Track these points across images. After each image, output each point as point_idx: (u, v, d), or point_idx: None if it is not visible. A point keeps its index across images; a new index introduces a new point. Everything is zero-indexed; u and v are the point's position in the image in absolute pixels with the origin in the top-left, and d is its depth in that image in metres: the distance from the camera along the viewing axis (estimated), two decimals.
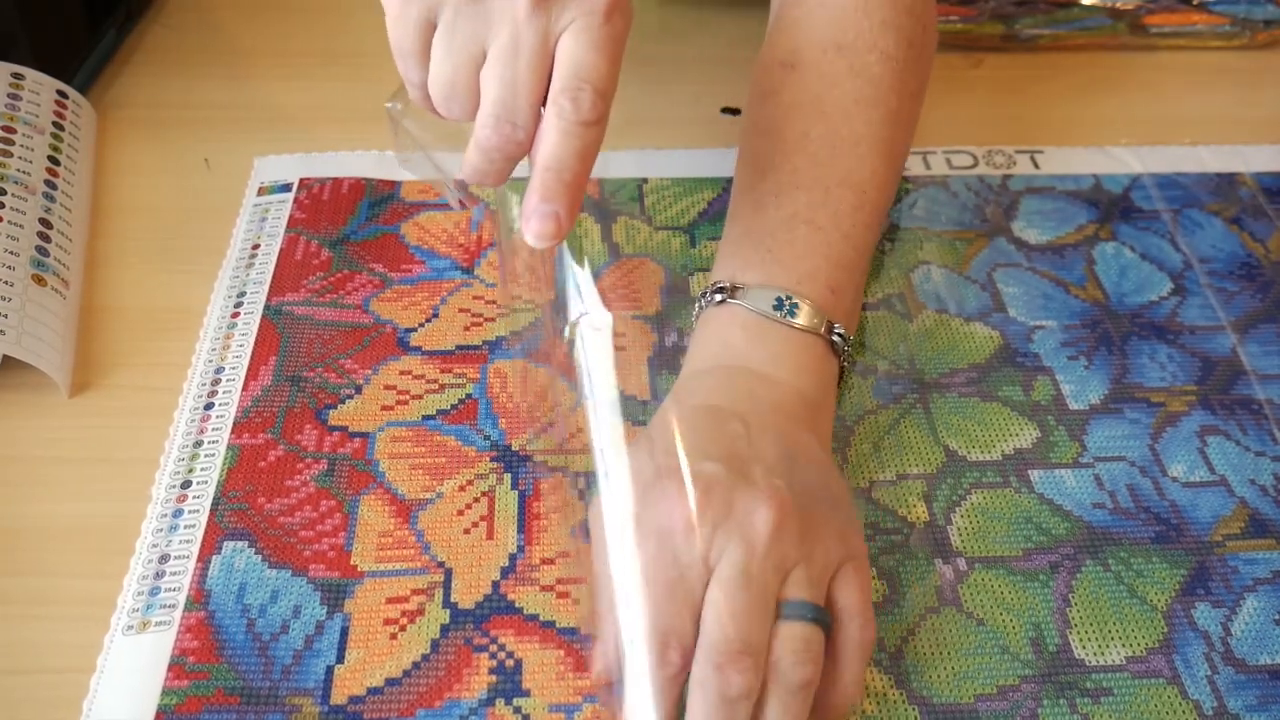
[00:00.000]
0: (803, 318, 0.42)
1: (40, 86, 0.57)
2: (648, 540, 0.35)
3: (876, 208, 0.46)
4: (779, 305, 0.42)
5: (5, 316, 0.45)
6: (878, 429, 0.46)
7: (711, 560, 0.35)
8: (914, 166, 0.59)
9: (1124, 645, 0.40)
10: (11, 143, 0.52)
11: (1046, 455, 0.45)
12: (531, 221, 0.36)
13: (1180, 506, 0.44)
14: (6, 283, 0.46)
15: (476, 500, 0.43)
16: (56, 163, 0.54)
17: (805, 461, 0.38)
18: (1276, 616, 0.41)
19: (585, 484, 0.44)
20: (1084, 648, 0.39)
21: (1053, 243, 0.55)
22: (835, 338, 0.42)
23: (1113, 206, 0.57)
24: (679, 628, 0.34)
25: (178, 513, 0.42)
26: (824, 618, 0.35)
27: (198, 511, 0.42)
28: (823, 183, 0.45)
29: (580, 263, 0.40)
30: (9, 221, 0.49)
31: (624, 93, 0.52)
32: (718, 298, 0.43)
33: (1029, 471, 0.45)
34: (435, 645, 0.39)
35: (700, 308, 0.44)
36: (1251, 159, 0.60)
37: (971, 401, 0.47)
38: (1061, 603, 0.41)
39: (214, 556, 0.41)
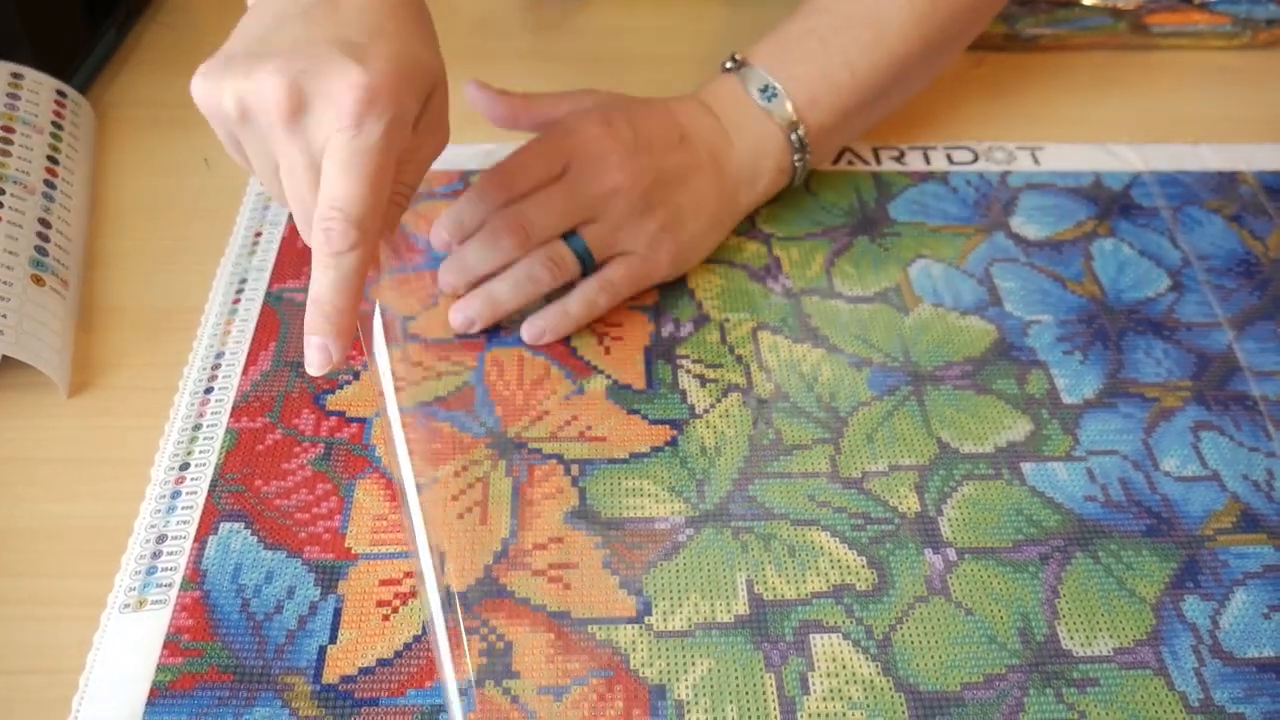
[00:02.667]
0: (775, 105, 0.51)
1: (39, 86, 0.57)
2: (553, 129, 0.50)
3: (894, 54, 0.52)
4: (764, 89, 0.52)
5: (4, 316, 0.45)
6: (872, 420, 0.46)
7: (568, 168, 0.49)
8: (913, 162, 0.59)
9: (1112, 636, 0.40)
10: (10, 142, 0.53)
11: (1039, 448, 0.46)
12: (307, 354, 0.37)
13: (1172, 500, 0.44)
14: (5, 283, 0.47)
15: (471, 486, 0.44)
16: (55, 162, 0.54)
17: (689, 192, 0.50)
18: (1265, 610, 0.41)
19: (579, 471, 0.44)
20: (1072, 638, 0.40)
21: (1051, 238, 0.55)
22: (794, 137, 0.51)
23: (1112, 203, 0.57)
24: (526, 178, 0.48)
25: (175, 494, 0.43)
26: (586, 257, 0.48)
27: (195, 493, 0.43)
28: (848, 16, 0.52)
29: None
30: (8, 221, 0.49)
31: (627, 90, 0.53)
32: (729, 65, 0.53)
33: (1021, 464, 0.45)
34: (427, 627, 0.39)
35: (721, 68, 0.54)
36: (1253, 157, 0.60)
37: (966, 394, 0.47)
38: (1050, 594, 0.41)
39: (210, 537, 0.41)
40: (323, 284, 0.37)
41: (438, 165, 0.57)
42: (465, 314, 0.48)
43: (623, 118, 0.49)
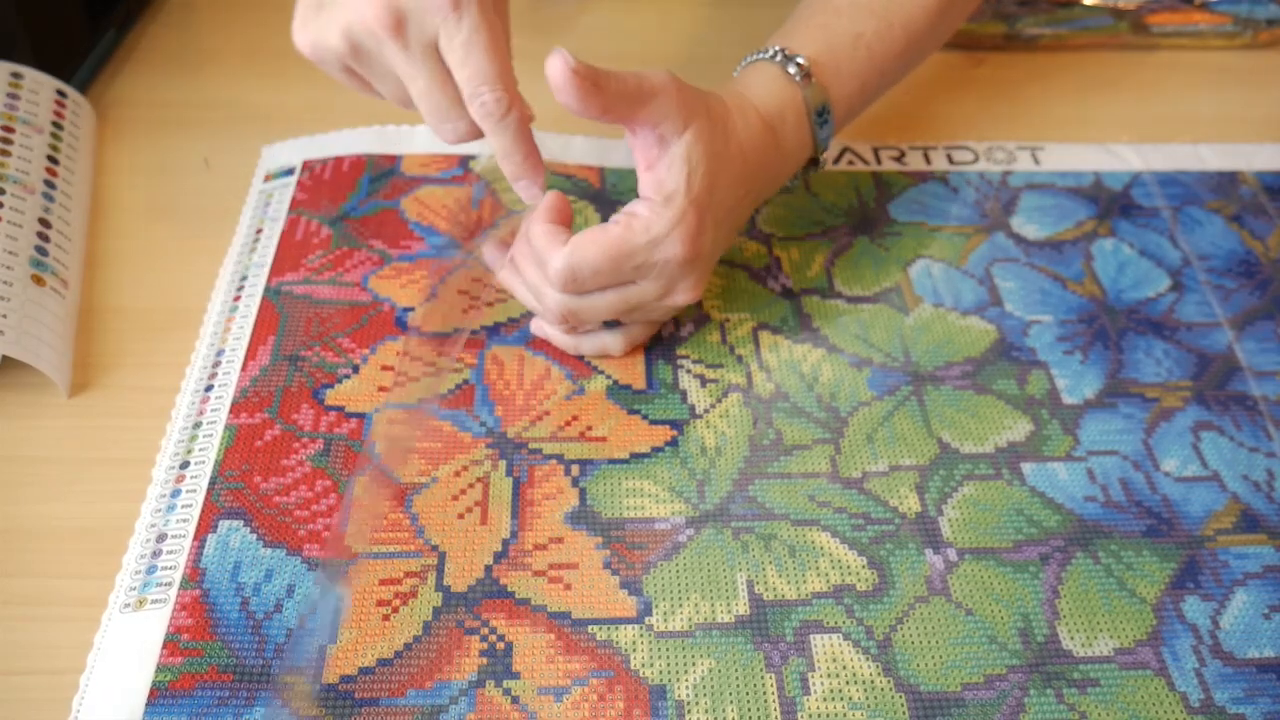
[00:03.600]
0: (823, 133, 0.49)
1: (39, 86, 0.57)
2: (645, 255, 0.44)
3: (908, 28, 0.51)
4: (820, 112, 0.48)
5: (4, 316, 0.45)
6: (872, 420, 0.46)
7: (635, 264, 0.44)
8: (914, 162, 0.59)
9: (1112, 637, 0.40)
10: (10, 142, 0.53)
11: (1039, 448, 0.45)
12: (521, 193, 0.44)
13: (1172, 501, 0.44)
14: (6, 283, 0.46)
15: (471, 486, 0.44)
16: (55, 162, 0.54)
17: (728, 227, 0.47)
18: (1265, 611, 0.41)
19: (580, 471, 0.44)
20: (1072, 639, 0.40)
21: (1051, 238, 0.55)
22: (819, 144, 0.49)
23: (1113, 203, 0.57)
24: (590, 282, 0.44)
25: (175, 493, 0.43)
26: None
27: (195, 491, 0.43)
28: (887, 19, 0.50)
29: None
30: (8, 221, 0.49)
31: None
32: (791, 71, 0.48)
33: (1021, 464, 0.45)
34: (427, 627, 0.39)
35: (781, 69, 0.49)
36: (1253, 157, 0.60)
37: (966, 394, 0.47)
38: (1051, 594, 0.41)
39: (209, 535, 0.41)
40: (503, 143, 0.42)
41: (435, 150, 0.57)
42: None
43: (708, 215, 0.44)
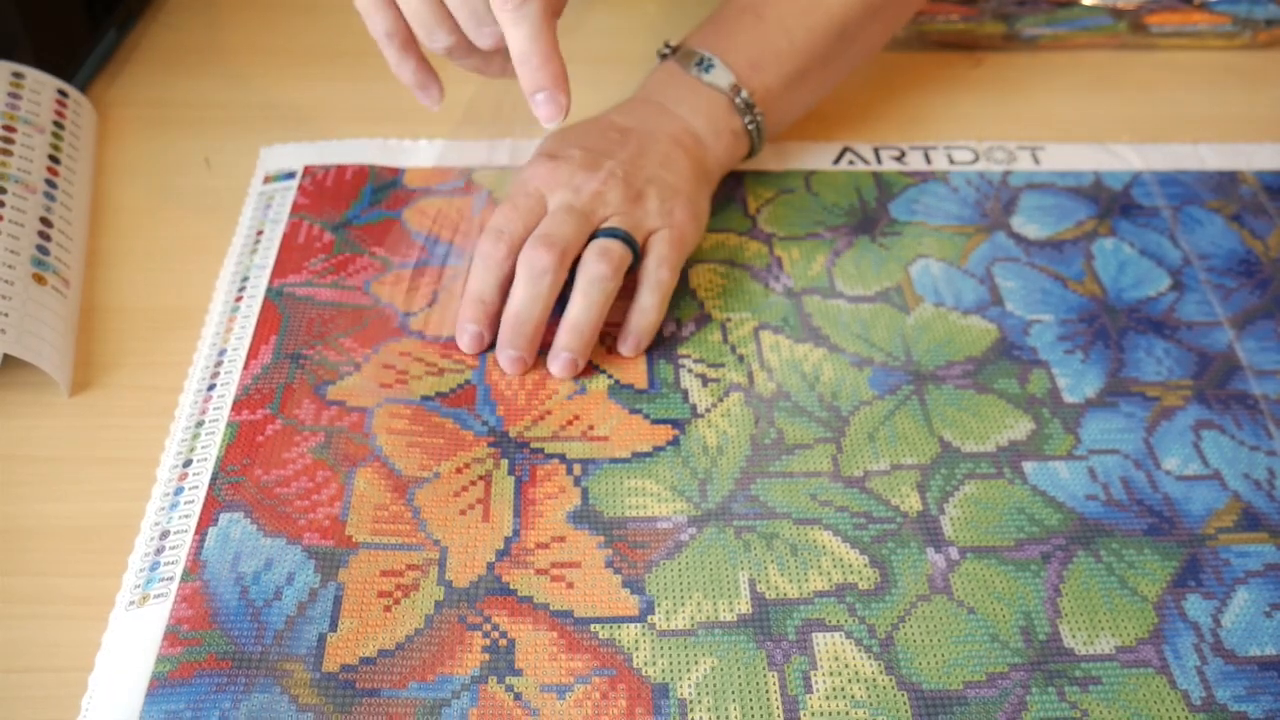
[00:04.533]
0: (713, 75, 0.52)
1: (41, 85, 0.57)
2: (513, 187, 0.49)
3: (832, 17, 0.53)
4: (699, 62, 0.52)
5: (6, 315, 0.45)
6: (873, 419, 0.46)
7: (549, 205, 0.48)
8: (914, 161, 0.59)
9: (1114, 635, 0.40)
10: (12, 141, 0.53)
11: (1041, 447, 0.46)
12: (538, 110, 0.43)
13: (1173, 499, 0.44)
14: (7, 281, 0.46)
15: (473, 483, 0.44)
16: (57, 161, 0.54)
17: (658, 162, 0.50)
18: (1267, 609, 0.41)
19: (582, 471, 0.44)
20: (1074, 637, 0.40)
21: (1052, 238, 0.55)
22: (739, 100, 0.52)
23: (1113, 203, 0.57)
24: (510, 228, 0.47)
25: (179, 490, 0.43)
26: (628, 238, 0.47)
27: (197, 488, 0.43)
28: None
29: None
30: (9, 220, 0.49)
31: (628, 91, 0.53)
32: (664, 53, 0.54)
33: (1023, 463, 0.45)
34: (429, 620, 0.39)
35: (658, 56, 0.55)
36: (1253, 157, 0.60)
37: (967, 394, 0.48)
38: (1052, 592, 0.41)
39: (210, 529, 0.41)
40: (520, 39, 0.42)
41: (438, 162, 0.57)
42: (561, 359, 0.47)
43: (560, 145, 0.50)
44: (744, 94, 0.52)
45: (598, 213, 0.48)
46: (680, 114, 0.52)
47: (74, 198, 0.54)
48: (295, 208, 0.54)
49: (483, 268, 0.47)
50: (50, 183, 0.53)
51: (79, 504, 0.43)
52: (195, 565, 0.40)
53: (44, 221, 0.51)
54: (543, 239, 0.46)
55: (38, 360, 0.45)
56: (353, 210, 0.55)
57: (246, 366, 0.47)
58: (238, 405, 0.45)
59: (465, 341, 0.48)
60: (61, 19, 0.65)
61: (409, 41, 0.46)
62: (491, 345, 0.48)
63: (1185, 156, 0.60)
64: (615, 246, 0.47)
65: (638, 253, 0.48)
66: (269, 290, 0.50)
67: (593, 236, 0.47)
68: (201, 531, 0.41)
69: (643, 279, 0.48)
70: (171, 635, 0.38)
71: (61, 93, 0.58)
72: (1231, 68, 0.66)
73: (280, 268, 0.51)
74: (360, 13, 0.46)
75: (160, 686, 0.37)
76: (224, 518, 0.42)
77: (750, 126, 0.53)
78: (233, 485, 0.43)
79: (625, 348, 0.48)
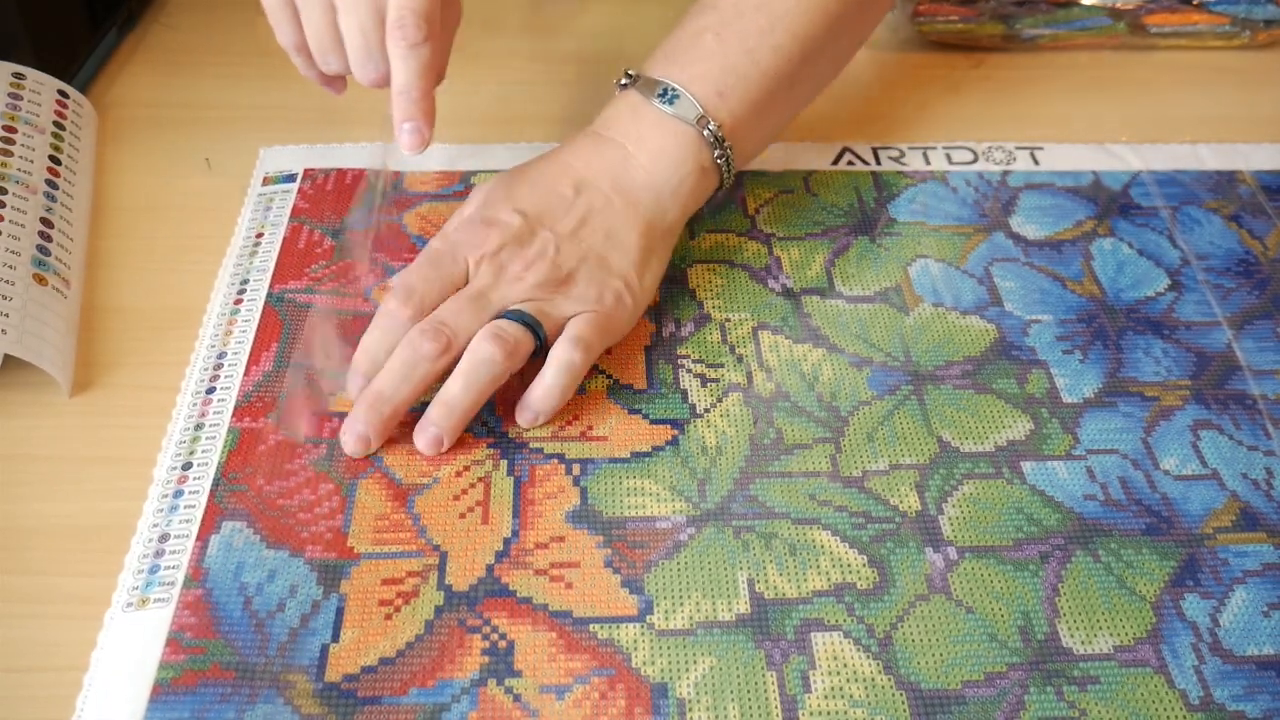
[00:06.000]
0: (679, 108, 0.48)
1: (41, 86, 0.57)
2: (440, 243, 0.47)
3: (795, 34, 0.50)
4: (663, 94, 0.49)
5: (6, 316, 0.45)
6: (872, 419, 0.47)
7: (469, 277, 0.46)
8: (914, 162, 0.59)
9: (1112, 635, 0.40)
10: (12, 142, 0.53)
11: (1039, 447, 0.46)
12: (403, 139, 0.45)
13: (1172, 499, 0.44)
14: (8, 282, 0.47)
15: (473, 485, 0.44)
16: (57, 162, 0.54)
17: (603, 235, 0.47)
18: (1265, 608, 0.41)
19: (580, 471, 0.44)
20: (1072, 637, 0.40)
21: (1051, 238, 0.55)
22: (707, 132, 0.48)
23: (1112, 203, 0.57)
24: (423, 291, 0.45)
25: (178, 493, 0.43)
26: (530, 322, 0.45)
27: (198, 492, 0.43)
28: (737, 6, 0.50)
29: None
30: (10, 221, 0.49)
31: None
32: (623, 82, 0.50)
33: (1021, 463, 0.45)
34: (429, 626, 0.39)
35: (616, 86, 0.51)
36: (1251, 157, 0.60)
37: (966, 393, 0.48)
38: (1051, 592, 0.41)
39: (213, 536, 0.42)
40: (405, 74, 0.44)
41: (438, 167, 0.57)
42: (428, 434, 0.44)
43: (506, 206, 0.48)
44: (712, 126, 0.48)
45: (507, 297, 0.45)
46: (637, 156, 0.49)
47: (74, 198, 0.54)
48: (295, 211, 0.55)
49: (384, 325, 0.45)
50: (51, 183, 0.53)
51: (79, 504, 0.43)
52: (198, 572, 0.40)
53: (44, 222, 0.51)
54: (433, 327, 0.44)
55: (38, 360, 0.45)
56: (352, 215, 0.55)
57: (248, 372, 0.47)
58: (239, 411, 0.46)
59: (355, 388, 0.45)
60: (61, 19, 0.65)
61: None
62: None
63: (1184, 157, 0.60)
64: (512, 330, 0.44)
65: (542, 338, 0.45)
66: (269, 296, 0.50)
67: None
68: (204, 538, 0.41)
69: (551, 356, 0.45)
70: (174, 642, 0.38)
71: (62, 93, 0.58)
72: (1230, 68, 0.66)
73: (280, 273, 0.51)
74: (270, 21, 0.48)
75: (163, 693, 0.37)
76: (227, 526, 0.42)
77: (720, 160, 0.49)
78: (235, 494, 0.43)
79: (521, 419, 0.45)
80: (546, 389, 0.45)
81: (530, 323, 0.45)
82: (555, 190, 0.48)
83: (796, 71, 0.51)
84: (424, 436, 0.44)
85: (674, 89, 0.49)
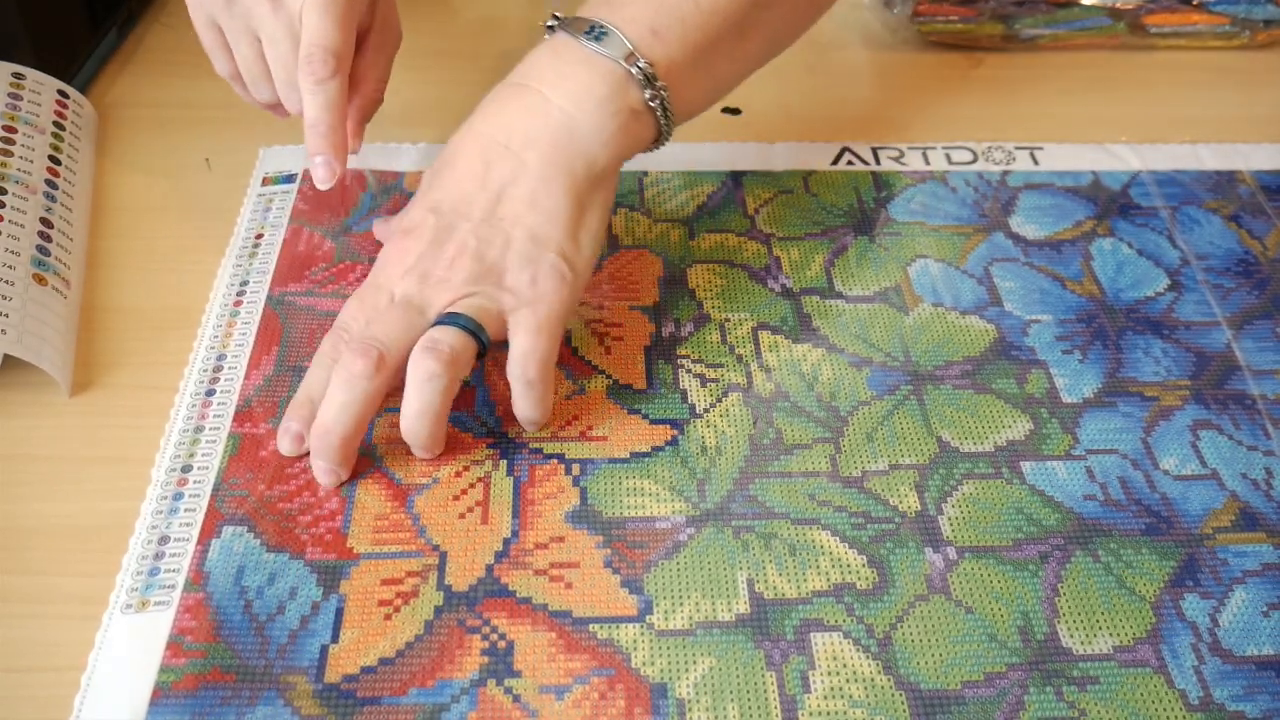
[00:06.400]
0: (606, 44, 0.45)
1: (41, 86, 0.57)
2: (371, 273, 0.45)
3: None
4: (589, 31, 0.45)
5: (6, 316, 0.45)
6: (872, 419, 0.47)
7: (395, 293, 0.44)
8: (913, 162, 0.59)
9: (1112, 635, 0.40)
10: (12, 142, 0.53)
11: (1039, 447, 0.46)
12: (314, 172, 0.47)
13: (1171, 499, 0.44)
14: (7, 282, 0.47)
15: (472, 486, 0.44)
16: (57, 162, 0.54)
17: (525, 204, 0.44)
18: (1264, 608, 0.41)
19: (580, 471, 0.44)
20: (1072, 637, 0.40)
21: (1050, 238, 0.55)
22: (635, 70, 0.45)
23: (1111, 203, 0.57)
24: (352, 326, 0.44)
25: (178, 495, 0.43)
26: (466, 324, 0.42)
27: (198, 496, 0.43)
28: None
29: None
30: (10, 221, 0.49)
31: None
32: (550, 23, 0.47)
33: (1021, 463, 0.45)
34: (429, 626, 0.39)
35: (545, 30, 0.48)
36: (1251, 157, 0.60)
37: (965, 393, 0.48)
38: (1050, 592, 0.41)
39: (213, 540, 0.42)
40: (315, 108, 0.46)
41: (419, 166, 0.57)
42: (414, 453, 0.44)
43: (420, 206, 0.46)
44: (642, 63, 0.44)
45: (435, 303, 0.43)
46: (560, 104, 0.45)
47: (74, 198, 0.54)
48: (295, 213, 0.55)
49: (318, 366, 0.44)
50: (51, 183, 0.53)
51: (79, 504, 0.43)
52: (198, 576, 0.40)
53: (44, 222, 0.51)
54: (361, 344, 0.42)
55: (38, 360, 0.45)
56: (353, 217, 0.55)
57: (248, 377, 0.47)
58: (239, 416, 0.46)
59: (285, 444, 0.43)
60: (61, 19, 0.65)
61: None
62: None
63: (1183, 157, 0.60)
64: (447, 338, 0.41)
65: (484, 339, 0.43)
66: (270, 298, 0.50)
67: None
68: (204, 542, 0.41)
69: (510, 376, 0.43)
70: (175, 645, 0.38)
71: (62, 93, 0.58)
72: (1230, 68, 0.66)
73: (281, 276, 0.51)
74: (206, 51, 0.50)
75: (164, 696, 0.37)
76: (227, 530, 0.42)
77: (653, 103, 0.45)
78: (236, 498, 0.43)
79: (526, 427, 0.45)
80: (526, 414, 0.44)
81: (467, 325, 0.42)
82: (464, 170, 0.45)
83: (745, 18, 0.47)
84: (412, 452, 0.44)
85: (602, 26, 0.45)
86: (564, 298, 0.44)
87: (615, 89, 0.45)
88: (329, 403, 0.42)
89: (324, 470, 0.43)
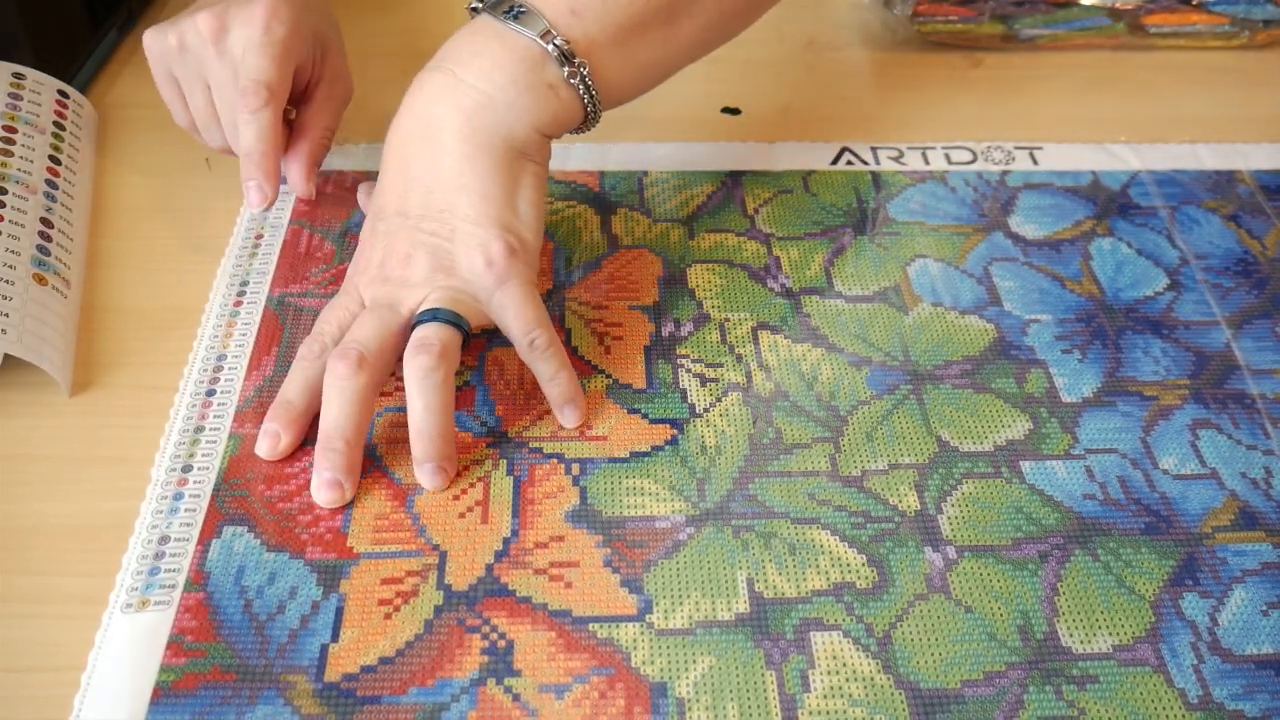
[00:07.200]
0: (523, 21, 0.45)
1: (41, 86, 0.57)
2: (347, 275, 0.48)
3: None
4: (508, 10, 0.45)
5: (6, 315, 0.45)
6: (871, 419, 0.47)
7: (364, 298, 0.46)
8: (913, 162, 0.59)
9: (1111, 634, 0.40)
10: (13, 142, 0.53)
11: (1038, 447, 0.46)
12: (247, 195, 0.51)
13: (1170, 498, 0.44)
14: (8, 282, 0.47)
15: (472, 485, 0.44)
16: (58, 162, 0.54)
17: (454, 187, 0.45)
18: (1264, 608, 0.41)
19: (580, 470, 0.44)
20: (1071, 636, 0.40)
21: (1050, 238, 0.55)
22: (551, 47, 0.44)
23: (1111, 203, 0.57)
24: (327, 331, 0.45)
25: (178, 495, 0.43)
26: (446, 316, 0.43)
27: (198, 496, 0.43)
28: None
29: None
30: (10, 221, 0.49)
31: None
32: (474, 5, 0.47)
33: (1020, 462, 0.45)
34: (429, 625, 0.39)
35: (468, 11, 0.47)
36: (1250, 157, 0.60)
37: (965, 393, 0.48)
38: (1050, 591, 0.41)
39: (214, 540, 0.42)
40: (248, 137, 0.50)
41: None
42: (426, 470, 0.43)
43: (371, 214, 0.47)
44: (559, 40, 0.44)
45: (405, 300, 0.44)
46: (472, 82, 0.44)
47: (74, 198, 0.54)
48: (296, 215, 0.55)
49: (296, 369, 0.45)
50: (51, 183, 0.53)
51: (79, 504, 0.43)
52: (199, 576, 0.40)
53: (44, 222, 0.51)
54: (340, 349, 0.43)
55: (38, 360, 0.45)
56: (353, 218, 0.55)
57: (248, 377, 0.47)
58: (240, 417, 0.46)
59: (263, 446, 0.44)
60: (61, 19, 0.65)
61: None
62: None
63: (1183, 156, 0.60)
64: (431, 333, 0.43)
65: (465, 327, 0.44)
66: (270, 299, 0.50)
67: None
68: (205, 542, 0.41)
69: (523, 355, 0.45)
70: (175, 645, 0.39)
71: (62, 93, 0.58)
72: (1229, 68, 0.67)
73: (281, 277, 0.52)
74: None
75: (164, 696, 0.37)
76: (228, 530, 0.42)
77: (573, 80, 0.45)
78: (236, 499, 0.43)
79: (567, 420, 0.45)
80: (554, 380, 0.45)
81: (446, 318, 0.43)
82: (392, 169, 0.46)
83: (674, 2, 0.46)
84: (424, 474, 0.43)
85: (521, 6, 0.45)
86: (523, 267, 0.45)
87: (531, 65, 0.44)
88: (325, 412, 0.43)
89: (329, 482, 0.42)
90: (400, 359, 0.44)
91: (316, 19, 0.54)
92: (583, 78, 0.45)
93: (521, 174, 0.46)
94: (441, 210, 0.45)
